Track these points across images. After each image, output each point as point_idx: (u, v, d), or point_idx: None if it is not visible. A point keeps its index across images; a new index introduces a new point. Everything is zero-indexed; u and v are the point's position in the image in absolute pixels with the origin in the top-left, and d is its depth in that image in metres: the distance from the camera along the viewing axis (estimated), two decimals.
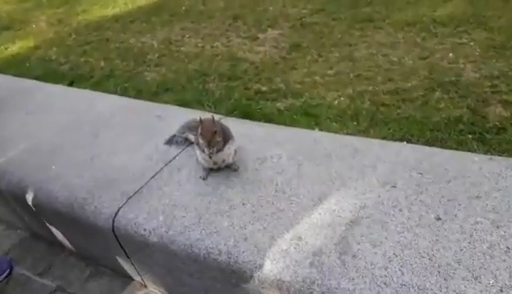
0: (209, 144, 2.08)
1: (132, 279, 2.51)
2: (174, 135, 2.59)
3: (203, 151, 2.16)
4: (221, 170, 2.30)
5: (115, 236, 2.19)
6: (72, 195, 2.37)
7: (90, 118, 3.09)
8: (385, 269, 1.65)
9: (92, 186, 2.38)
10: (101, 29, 5.48)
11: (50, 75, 4.17)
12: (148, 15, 5.73)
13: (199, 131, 2.12)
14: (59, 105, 3.42)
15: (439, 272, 1.60)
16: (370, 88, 3.25)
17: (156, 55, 4.51)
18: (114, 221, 2.17)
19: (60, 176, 2.53)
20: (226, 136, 2.21)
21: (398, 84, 3.24)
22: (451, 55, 3.47)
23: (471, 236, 1.73)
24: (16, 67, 4.57)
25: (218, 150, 2.15)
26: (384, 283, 1.59)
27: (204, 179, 2.27)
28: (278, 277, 1.72)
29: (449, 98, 2.92)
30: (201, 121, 2.13)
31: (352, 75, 3.49)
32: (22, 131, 3.09)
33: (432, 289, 1.55)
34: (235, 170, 2.29)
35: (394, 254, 1.70)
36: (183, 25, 5.15)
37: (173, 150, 2.56)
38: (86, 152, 2.70)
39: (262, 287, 1.79)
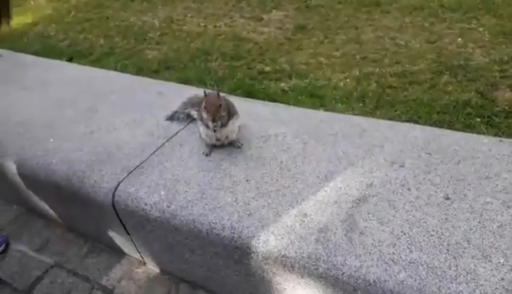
0: (214, 119, 2.03)
1: (131, 257, 2.46)
2: (176, 111, 2.52)
3: (206, 126, 2.10)
4: (224, 147, 2.25)
5: (115, 211, 2.14)
6: (70, 169, 2.31)
7: (89, 94, 3.02)
8: (393, 247, 1.60)
9: (92, 160, 2.33)
10: (101, 7, 5.37)
11: (48, 51, 4.08)
12: None
13: (204, 104, 2.06)
14: (57, 80, 3.34)
15: (448, 250, 1.56)
16: (377, 70, 3.18)
17: (157, 34, 4.42)
18: (114, 195, 2.11)
19: (58, 150, 2.47)
20: (231, 112, 2.15)
21: (405, 67, 3.18)
22: (459, 39, 3.41)
23: (481, 216, 1.69)
24: (14, 42, 4.46)
25: (223, 125, 2.09)
26: (392, 260, 1.55)
27: (206, 155, 2.22)
28: (282, 253, 1.68)
29: (457, 81, 2.87)
30: (206, 95, 2.07)
31: (358, 57, 3.42)
32: (18, 106, 3.01)
33: (441, 267, 1.51)
34: (239, 147, 2.24)
35: (402, 232, 1.66)
36: (185, 5, 5.05)
37: (175, 126, 2.50)
38: (85, 126, 2.64)
39: (266, 264, 1.75)
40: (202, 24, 4.51)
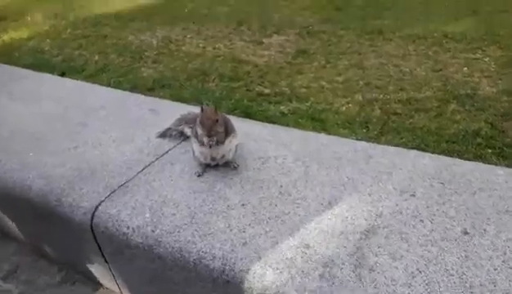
0: (209, 133, 1.85)
1: (109, 289, 2.22)
2: (169, 128, 2.35)
3: (201, 142, 1.92)
4: (218, 167, 2.06)
5: (93, 234, 1.92)
6: (48, 185, 2.10)
7: (79, 108, 2.84)
8: (408, 287, 1.40)
9: (73, 177, 2.12)
10: (98, 25, 5.26)
11: (40, 66, 3.92)
12: (149, 14, 5.54)
13: (199, 119, 1.89)
14: (46, 93, 3.16)
15: (473, 292, 1.36)
16: (381, 96, 3.05)
17: (154, 53, 4.29)
18: (93, 216, 1.90)
19: (37, 164, 2.26)
20: (228, 129, 1.98)
21: (410, 94, 3.06)
22: (465, 69, 3.31)
23: (505, 254, 1.50)
24: (5, 56, 4.32)
25: (219, 142, 1.91)
26: None
27: (199, 175, 2.02)
28: (281, 290, 1.46)
29: (465, 111, 2.74)
30: (202, 109, 1.90)
31: (361, 83, 3.30)
32: (1, 117, 2.82)
33: None
34: (235, 168, 2.06)
35: (418, 269, 1.46)
36: (185, 26, 4.95)
37: (167, 144, 2.31)
38: (70, 141, 2.45)
39: None
40: (201, 46, 4.41)
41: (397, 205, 1.77)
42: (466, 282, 1.40)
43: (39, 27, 5.43)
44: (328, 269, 1.49)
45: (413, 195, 1.82)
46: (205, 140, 1.86)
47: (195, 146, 2.00)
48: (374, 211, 1.74)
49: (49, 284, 2.24)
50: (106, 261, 1.99)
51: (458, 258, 1.49)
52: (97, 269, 2.10)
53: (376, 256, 1.53)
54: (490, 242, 1.55)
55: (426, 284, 1.40)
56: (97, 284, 2.21)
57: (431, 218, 1.69)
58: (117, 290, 2.14)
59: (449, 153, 2.33)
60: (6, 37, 5.14)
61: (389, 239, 1.60)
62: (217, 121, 1.84)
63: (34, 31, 5.29)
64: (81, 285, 2.20)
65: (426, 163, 2.04)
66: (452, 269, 1.45)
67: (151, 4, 6.06)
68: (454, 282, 1.40)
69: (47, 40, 4.88)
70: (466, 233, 1.60)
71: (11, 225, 2.51)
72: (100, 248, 1.96)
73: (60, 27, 5.33)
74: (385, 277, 1.44)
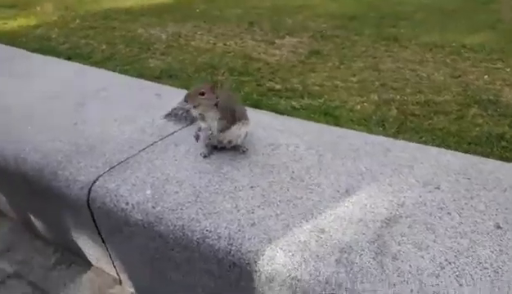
0: (189, 99, 1.73)
1: (105, 272, 2.05)
2: (175, 108, 2.21)
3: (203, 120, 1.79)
4: (226, 150, 1.92)
5: (90, 210, 1.77)
6: (44, 159, 1.97)
7: (81, 89, 2.71)
8: (437, 278, 1.25)
9: (70, 151, 1.99)
10: (108, 19, 5.20)
11: (46, 51, 3.82)
12: (160, 12, 5.49)
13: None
14: (47, 73, 3.05)
15: (510, 287, 1.21)
16: (398, 97, 2.94)
17: (163, 46, 4.21)
18: (90, 191, 1.76)
19: (33, 138, 2.13)
20: (237, 115, 1.84)
21: (429, 97, 2.94)
22: (486, 77, 3.20)
23: None
24: (12, 40, 4.23)
25: (224, 129, 1.78)
26: None
27: (205, 156, 1.89)
28: (293, 274, 1.31)
29: (488, 115, 2.62)
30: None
31: (377, 83, 3.19)
32: (1, 95, 2.70)
33: None
34: (243, 152, 1.92)
35: (447, 260, 1.30)
36: (196, 24, 4.88)
37: (172, 126, 2.18)
38: (69, 118, 2.32)
39: (271, 288, 1.37)
40: (211, 42, 4.32)
41: (420, 196, 1.62)
42: (503, 276, 1.24)
43: (48, 17, 5.37)
44: (345, 255, 1.34)
45: (437, 188, 1.68)
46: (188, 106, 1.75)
47: (202, 126, 1.86)
48: (395, 200, 1.60)
49: (44, 266, 2.08)
50: (103, 241, 1.84)
51: (492, 251, 1.34)
52: (94, 250, 1.95)
53: (399, 244, 1.38)
54: None
55: (457, 276, 1.25)
56: (94, 267, 2.05)
57: (459, 211, 1.54)
58: (114, 272, 1.98)
59: (472, 154, 2.18)
60: (14, 24, 5.08)
61: (413, 229, 1.45)
62: (202, 94, 1.72)
63: (43, 20, 5.23)
64: (77, 267, 2.05)
65: (450, 160, 1.90)
66: (486, 262, 1.30)
67: (163, 3, 6.02)
68: (489, 276, 1.24)
69: (55, 29, 4.81)
70: (499, 227, 1.45)
71: (5, 202, 2.37)
72: (96, 226, 1.81)
73: (69, 18, 5.28)
74: (410, 266, 1.29)
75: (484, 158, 1.97)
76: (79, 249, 2.09)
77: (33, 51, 3.70)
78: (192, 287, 1.65)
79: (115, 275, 2.01)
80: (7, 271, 2.11)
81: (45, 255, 2.20)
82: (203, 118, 1.82)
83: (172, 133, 2.13)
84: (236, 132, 1.86)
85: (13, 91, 2.73)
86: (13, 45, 3.89)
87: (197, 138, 1.83)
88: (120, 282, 2.00)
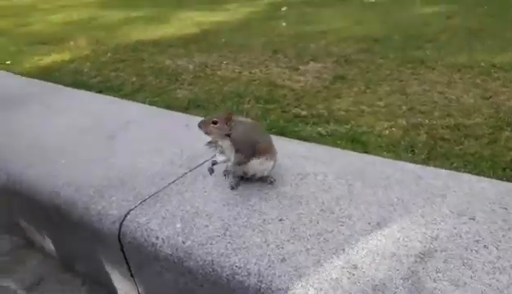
0: (202, 125, 1.81)
1: None
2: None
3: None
4: (254, 182, 1.93)
5: (120, 244, 1.80)
6: (77, 192, 2.02)
7: (112, 122, 2.80)
8: None
9: (102, 185, 2.03)
10: (137, 51, 5.37)
11: (78, 85, 3.98)
12: (186, 43, 5.63)
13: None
14: (79, 107, 3.16)
15: None
16: (426, 122, 2.88)
17: (191, 76, 4.29)
18: (121, 225, 1.78)
19: (67, 172, 2.20)
20: (259, 149, 1.82)
21: (459, 120, 2.86)
22: None
23: None
24: (46, 76, 4.43)
25: (241, 163, 1.82)
26: None
27: (232, 188, 1.89)
28: None
29: None
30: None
31: (404, 108, 3.14)
32: (36, 128, 2.82)
33: None
34: (271, 183, 1.92)
35: None
36: (221, 54, 4.98)
37: (200, 157, 2.21)
38: (101, 152, 2.38)
39: None
40: (237, 71, 4.38)
41: (454, 228, 1.57)
42: None
43: (80, 51, 5.60)
44: (379, 293, 1.30)
45: (472, 219, 1.62)
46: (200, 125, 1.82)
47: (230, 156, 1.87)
48: (429, 233, 1.55)
49: None
50: (132, 275, 1.86)
51: None
52: (122, 284, 1.96)
53: (435, 281, 1.33)
54: None
55: None
56: None
57: (496, 244, 1.48)
58: None
59: (507, 180, 2.10)
60: (49, 60, 5.32)
61: (449, 264, 1.40)
62: (215, 122, 1.79)
63: (75, 55, 5.45)
64: None
65: (484, 187, 1.84)
66: None
67: (189, 34, 6.18)
68: None
69: (87, 63, 5.00)
70: None
71: (37, 235, 2.43)
72: (126, 260, 1.83)
73: (100, 51, 5.48)
74: None
75: None
76: (107, 282, 2.11)
77: (67, 85, 3.86)
78: None
79: None
80: None
81: (73, 286, 2.22)
82: (221, 150, 1.85)
83: (201, 164, 2.15)
84: (258, 167, 1.84)
85: (47, 125, 2.84)
86: (48, 80, 4.07)
87: (211, 172, 1.85)
88: None
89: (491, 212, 1.66)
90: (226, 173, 1.90)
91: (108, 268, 2.02)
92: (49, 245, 2.39)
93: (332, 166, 2.06)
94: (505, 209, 1.68)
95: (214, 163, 1.87)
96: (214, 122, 1.78)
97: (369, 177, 1.94)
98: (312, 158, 2.16)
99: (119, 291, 2.08)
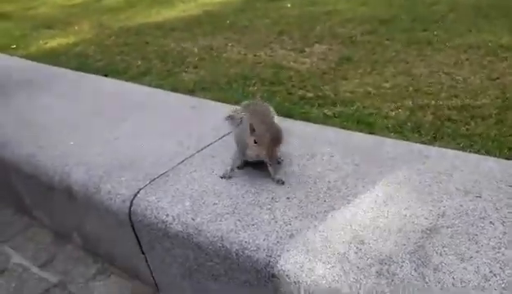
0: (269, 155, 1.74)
1: (144, 283, 2.11)
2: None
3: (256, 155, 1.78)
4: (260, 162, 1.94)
5: (131, 222, 1.84)
6: (87, 173, 2.06)
7: (120, 105, 2.82)
8: (482, 290, 1.22)
9: (112, 165, 2.07)
10: (141, 34, 5.36)
11: (84, 68, 3.99)
12: (190, 25, 5.60)
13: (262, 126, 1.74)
14: (87, 90, 3.19)
15: None
16: (433, 102, 2.87)
17: (196, 59, 4.29)
18: (131, 204, 1.82)
19: (76, 153, 2.23)
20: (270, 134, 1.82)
21: (465, 101, 2.86)
22: None
23: None
24: (52, 59, 4.44)
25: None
26: None
27: (239, 168, 1.91)
28: (333, 285, 1.32)
29: None
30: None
31: (411, 89, 3.13)
32: (45, 110, 2.85)
33: None
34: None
35: (492, 272, 1.27)
36: (226, 36, 4.96)
37: (208, 138, 2.23)
38: (110, 133, 2.41)
39: None
40: (242, 53, 4.37)
41: (461, 205, 1.59)
42: None
43: (84, 35, 5.60)
44: (386, 267, 1.33)
45: (479, 196, 1.64)
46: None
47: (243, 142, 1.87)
48: (435, 210, 1.57)
49: (84, 276, 2.16)
50: (143, 252, 1.90)
51: None
52: (133, 261, 2.01)
53: (441, 255, 1.35)
54: None
55: (503, 288, 1.22)
56: (133, 277, 2.11)
57: (502, 220, 1.49)
58: (153, 283, 2.03)
59: None
60: (53, 44, 5.33)
61: (455, 239, 1.42)
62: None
63: (80, 38, 5.46)
64: (116, 278, 2.11)
65: (491, 166, 1.85)
66: None
67: (193, 16, 6.14)
68: None
69: (92, 46, 5.01)
70: None
71: (50, 215, 2.48)
72: (137, 238, 1.87)
73: (104, 35, 5.48)
74: (453, 278, 1.26)
75: None
76: (119, 260, 2.16)
77: (73, 68, 3.87)
78: None
79: (154, 286, 2.07)
80: (51, 281, 2.20)
81: (86, 265, 2.27)
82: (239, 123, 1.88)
83: (209, 145, 2.17)
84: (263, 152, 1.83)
85: (56, 108, 2.87)
86: (55, 63, 4.09)
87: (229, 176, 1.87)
88: (159, 293, 2.05)
89: (498, 190, 1.67)
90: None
91: (119, 246, 2.07)
92: (61, 225, 2.44)
93: (339, 146, 2.07)
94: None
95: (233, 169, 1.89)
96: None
97: (375, 157, 1.96)
98: (319, 138, 2.18)
99: (130, 268, 2.13)
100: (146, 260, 1.94)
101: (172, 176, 1.92)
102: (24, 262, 2.36)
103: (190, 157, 2.07)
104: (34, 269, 2.30)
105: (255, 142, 1.71)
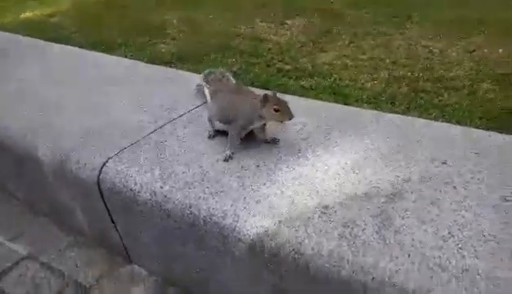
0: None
1: (116, 252, 2.11)
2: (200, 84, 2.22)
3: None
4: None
5: (100, 191, 1.83)
6: (56, 143, 2.02)
7: (92, 75, 2.77)
8: (439, 250, 1.25)
9: (81, 136, 2.04)
10: (118, 5, 5.22)
11: (59, 40, 3.89)
12: None
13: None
14: (60, 61, 3.11)
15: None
16: (409, 74, 2.89)
17: (175, 31, 4.22)
18: (100, 173, 1.81)
19: (45, 124, 2.19)
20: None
21: (440, 73, 2.88)
22: (500, 50, 3.11)
23: None
24: (27, 30, 4.31)
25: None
26: (439, 266, 1.20)
27: (209, 136, 1.91)
28: (296, 248, 1.34)
29: (501, 89, 2.55)
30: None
31: (388, 61, 3.13)
32: (15, 82, 2.77)
33: (506, 279, 1.15)
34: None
35: (450, 233, 1.31)
36: (206, 8, 4.87)
37: (181, 109, 2.20)
38: (79, 104, 2.37)
39: (275, 262, 1.40)
40: (222, 25, 4.31)
41: (426, 171, 1.62)
42: (506, 248, 1.24)
43: (61, 6, 5.43)
44: (349, 230, 1.35)
45: (444, 163, 1.67)
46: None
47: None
48: (401, 176, 1.59)
49: (56, 247, 2.15)
50: (113, 221, 1.90)
51: (495, 224, 1.33)
52: (104, 231, 2.00)
53: (403, 218, 1.38)
54: None
55: (459, 248, 1.25)
56: (105, 248, 2.11)
57: (465, 185, 1.53)
58: (124, 254, 2.04)
59: (483, 129, 2.15)
60: (30, 14, 5.16)
61: (418, 204, 1.45)
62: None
63: (56, 9, 5.29)
64: (88, 249, 2.11)
65: (458, 134, 1.88)
66: (490, 234, 1.29)
67: None
68: (492, 247, 1.24)
69: (68, 18, 4.87)
70: (506, 200, 1.44)
71: (19, 188, 2.45)
72: (106, 207, 1.86)
73: (82, 6, 5.32)
74: (413, 239, 1.29)
75: (494, 133, 1.94)
76: (90, 230, 2.15)
77: (48, 39, 3.76)
78: (200, 263, 1.70)
79: (125, 255, 2.07)
80: (21, 253, 2.18)
81: (57, 237, 2.25)
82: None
83: (181, 116, 2.15)
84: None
85: (26, 79, 2.79)
86: (32, 34, 3.96)
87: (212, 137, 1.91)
88: (130, 262, 2.06)
89: (463, 157, 1.70)
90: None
91: (90, 217, 2.06)
92: (32, 197, 2.41)
93: (312, 116, 2.07)
94: (477, 154, 1.72)
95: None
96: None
97: (347, 127, 1.96)
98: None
99: (100, 238, 2.12)
100: (117, 229, 1.94)
101: (141, 146, 1.90)
102: None
103: (161, 127, 2.06)
104: (7, 243, 2.28)
105: (276, 110, 1.70)
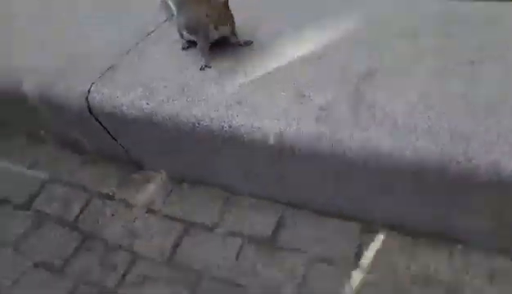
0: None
1: (127, 162, 2.18)
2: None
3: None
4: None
5: (93, 115, 1.90)
6: (39, 77, 2.06)
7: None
8: (409, 116, 1.36)
9: (59, 65, 2.05)
10: None
11: None
12: None
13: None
14: None
15: (477, 113, 1.31)
16: None
17: None
18: (88, 99, 1.86)
19: (23, 57, 2.22)
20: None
21: None
22: None
23: None
24: None
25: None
26: (408, 129, 1.31)
27: (183, 48, 1.92)
28: (278, 137, 1.45)
29: None
30: None
31: None
32: None
33: (473, 131, 1.26)
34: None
35: (420, 100, 1.40)
36: None
37: (150, 26, 2.16)
38: (52, 29, 2.37)
39: (261, 150, 1.52)
40: None
41: (400, 46, 1.66)
42: (473, 103, 1.34)
43: None
44: (325, 112, 1.44)
45: (414, 36, 1.70)
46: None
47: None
48: (373, 54, 1.64)
49: (71, 169, 2.27)
50: (114, 138, 2.00)
51: (463, 85, 1.41)
52: (110, 148, 2.10)
53: (375, 94, 1.47)
54: (503, 68, 1.45)
55: (428, 109, 1.35)
56: (116, 160, 2.20)
57: (435, 55, 1.58)
58: (133, 162, 2.15)
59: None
60: None
61: (390, 79, 1.52)
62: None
63: None
64: (102, 164, 2.22)
65: (432, 8, 1.86)
66: (456, 93, 1.39)
67: None
68: (458, 106, 1.34)
69: None
70: (473, 62, 1.50)
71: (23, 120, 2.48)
72: (104, 127, 1.95)
73: None
74: (385, 110, 1.39)
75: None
76: (99, 150, 2.24)
77: None
78: (199, 161, 1.85)
79: (135, 162, 2.16)
80: (43, 178, 2.27)
81: (71, 160, 2.33)
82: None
83: (150, 33, 2.13)
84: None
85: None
86: None
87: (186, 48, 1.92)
88: (142, 167, 2.15)
89: (436, 29, 1.72)
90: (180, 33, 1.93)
91: (94, 138, 2.14)
92: (34, 129, 2.46)
93: (285, 14, 2.05)
94: (447, 23, 1.75)
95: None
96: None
97: (318, 14, 1.94)
98: (263, 7, 2.14)
99: (110, 154, 2.20)
100: (120, 144, 2.04)
101: (119, 68, 1.92)
102: (10, 165, 2.41)
103: (134, 46, 2.04)
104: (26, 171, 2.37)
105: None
